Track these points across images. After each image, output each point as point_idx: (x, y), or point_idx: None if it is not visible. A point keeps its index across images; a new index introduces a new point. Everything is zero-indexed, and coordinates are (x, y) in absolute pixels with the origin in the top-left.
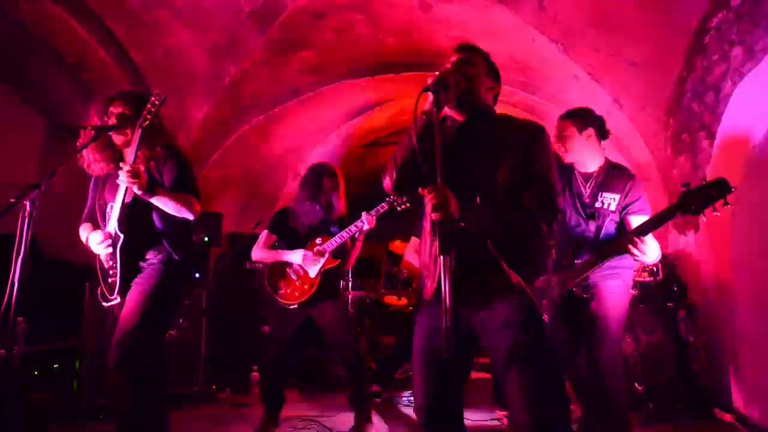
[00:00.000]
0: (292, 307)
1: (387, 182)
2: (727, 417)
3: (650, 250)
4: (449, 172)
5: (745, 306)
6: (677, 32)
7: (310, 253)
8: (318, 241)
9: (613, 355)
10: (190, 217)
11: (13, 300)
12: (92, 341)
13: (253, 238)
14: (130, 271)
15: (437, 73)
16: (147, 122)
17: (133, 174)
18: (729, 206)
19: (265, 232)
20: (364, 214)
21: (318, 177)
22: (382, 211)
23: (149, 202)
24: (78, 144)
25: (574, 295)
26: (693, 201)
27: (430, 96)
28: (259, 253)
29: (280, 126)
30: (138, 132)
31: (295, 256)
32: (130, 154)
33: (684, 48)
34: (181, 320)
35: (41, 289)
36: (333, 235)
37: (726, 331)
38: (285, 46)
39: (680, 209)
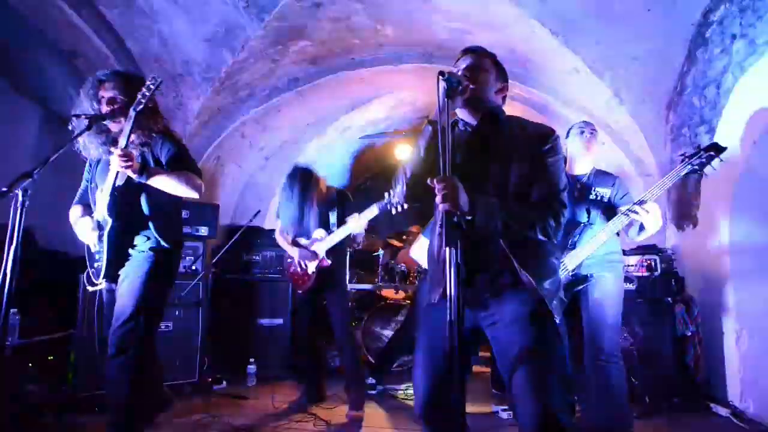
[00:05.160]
0: (299, 291)
1: (398, 191)
2: (723, 411)
3: (654, 214)
4: (462, 172)
5: (742, 301)
6: (679, 25)
7: (305, 251)
8: (317, 237)
9: (615, 345)
10: (194, 193)
11: (5, 290)
12: (87, 332)
13: (251, 230)
14: (117, 255)
15: (449, 69)
16: (141, 106)
17: (125, 157)
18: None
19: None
20: (349, 218)
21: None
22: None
23: (140, 186)
24: (72, 132)
25: (574, 287)
26: (694, 161)
27: (444, 85)
28: (278, 239)
29: (278, 117)
30: (131, 115)
31: (293, 252)
32: (122, 137)
33: (686, 41)
34: (177, 312)
35: (36, 280)
36: (331, 229)
37: (722, 326)
38: (283, 36)
39: (686, 169)
